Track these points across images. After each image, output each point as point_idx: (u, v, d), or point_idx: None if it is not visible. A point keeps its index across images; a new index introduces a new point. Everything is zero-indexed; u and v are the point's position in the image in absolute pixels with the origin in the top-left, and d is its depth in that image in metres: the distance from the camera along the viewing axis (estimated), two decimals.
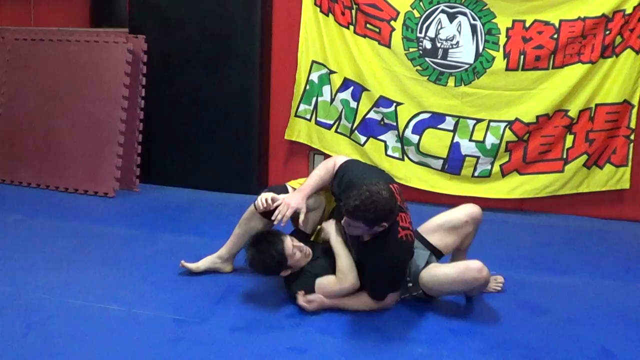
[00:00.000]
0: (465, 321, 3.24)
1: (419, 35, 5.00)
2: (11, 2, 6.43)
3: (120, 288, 3.50)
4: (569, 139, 4.98)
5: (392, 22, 5.01)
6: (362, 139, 5.30)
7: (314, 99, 5.37)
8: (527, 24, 4.82)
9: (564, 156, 5.00)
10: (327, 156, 5.44)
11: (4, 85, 5.64)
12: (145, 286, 3.55)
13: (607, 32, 4.74)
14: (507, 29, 4.86)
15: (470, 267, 3.13)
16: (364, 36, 5.11)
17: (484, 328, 3.17)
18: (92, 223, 4.66)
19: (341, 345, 2.98)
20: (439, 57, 5.01)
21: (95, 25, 6.05)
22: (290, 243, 3.26)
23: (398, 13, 5.00)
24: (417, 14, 4.98)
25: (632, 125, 4.92)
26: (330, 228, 3.33)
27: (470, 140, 5.06)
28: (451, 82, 5.01)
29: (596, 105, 4.90)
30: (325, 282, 3.26)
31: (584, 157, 4.96)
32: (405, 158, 5.25)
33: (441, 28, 4.97)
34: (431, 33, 4.99)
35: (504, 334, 3.12)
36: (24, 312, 3.19)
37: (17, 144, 5.60)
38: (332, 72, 5.27)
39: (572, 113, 4.91)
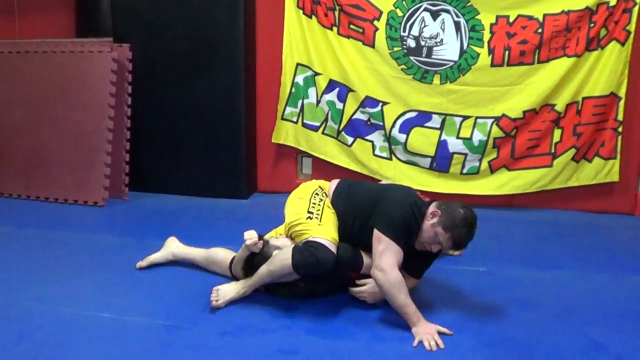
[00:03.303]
0: (456, 318, 3.23)
1: (402, 34, 5.00)
2: None
3: (110, 296, 3.49)
4: (557, 133, 4.99)
5: (376, 22, 5.01)
6: (350, 139, 5.29)
7: (300, 102, 5.36)
8: (511, 19, 4.83)
9: (553, 151, 5.01)
10: (315, 158, 5.46)
11: None
12: (135, 293, 3.54)
13: (592, 25, 4.74)
14: (491, 25, 4.86)
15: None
16: (348, 37, 5.10)
17: (475, 325, 3.17)
18: (81, 232, 4.63)
19: (332, 345, 2.96)
20: (423, 56, 5.00)
21: (81, 36, 6.04)
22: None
23: (381, 13, 5.00)
24: (400, 13, 4.97)
25: (620, 117, 4.93)
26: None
27: (458, 137, 5.06)
28: (436, 80, 5.01)
29: (583, 98, 4.90)
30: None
31: (573, 151, 4.97)
32: (393, 157, 5.24)
33: (425, 26, 4.96)
34: (415, 31, 4.98)
35: (495, 330, 3.11)
36: (15, 322, 3.18)
37: (6, 156, 5.57)
38: (317, 73, 5.26)
39: (559, 107, 4.92)
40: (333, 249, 3.19)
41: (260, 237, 3.39)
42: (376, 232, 3.16)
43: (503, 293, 3.56)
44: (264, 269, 3.31)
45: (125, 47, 5.35)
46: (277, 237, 3.50)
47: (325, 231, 3.24)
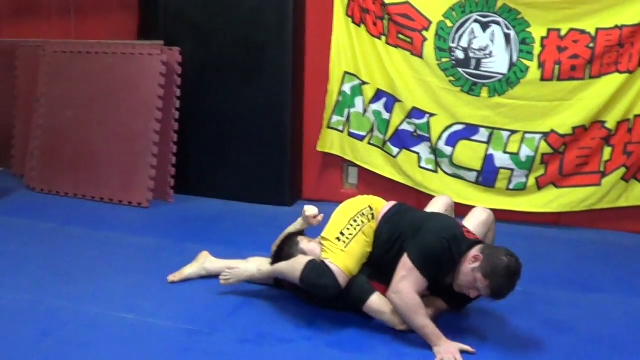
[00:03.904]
0: (482, 337, 3.16)
1: (451, 45, 4.91)
2: (53, 18, 6.59)
3: (138, 297, 3.54)
4: (607, 151, 4.81)
5: (424, 32, 4.93)
6: (395, 150, 5.23)
7: (346, 111, 5.32)
8: (563, 33, 4.68)
9: (602, 169, 4.83)
10: (361, 168, 5.41)
11: (43, 97, 5.77)
12: (164, 295, 3.58)
13: None
14: (542, 38, 4.72)
15: None
16: (396, 47, 5.04)
17: (500, 345, 3.09)
18: (122, 233, 4.71)
19: (350, 359, 2.93)
20: (472, 68, 4.91)
21: (143, 38, 6.11)
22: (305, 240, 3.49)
23: (430, 23, 4.92)
24: (449, 24, 4.89)
25: None
26: None
27: (505, 152, 4.94)
28: (484, 92, 4.90)
29: (635, 116, 4.71)
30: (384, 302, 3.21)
31: (622, 170, 4.78)
32: (439, 170, 5.15)
33: (474, 38, 4.87)
34: (464, 43, 4.89)
35: (520, 352, 3.04)
36: (40, 319, 3.26)
37: (56, 154, 5.71)
38: (364, 83, 5.21)
39: (610, 124, 4.74)
40: (341, 279, 3.16)
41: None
42: (405, 257, 3.09)
43: (536, 314, 3.45)
44: (280, 266, 3.36)
45: (175, 51, 5.41)
46: (309, 241, 3.48)
47: (343, 259, 3.21)
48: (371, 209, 3.41)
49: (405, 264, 3.07)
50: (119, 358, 2.89)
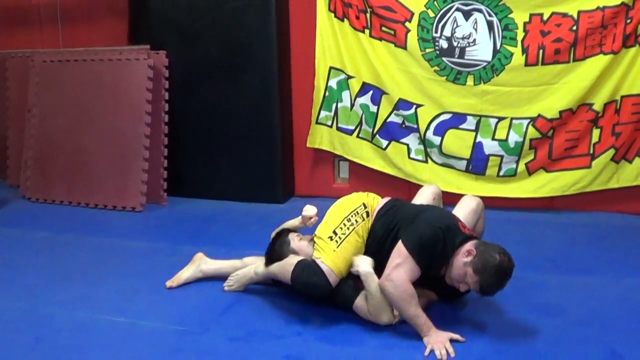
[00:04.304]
0: (471, 324, 3.17)
1: (434, 35, 4.92)
2: (43, 27, 6.62)
3: (130, 300, 3.57)
4: (595, 133, 4.81)
5: (407, 24, 4.94)
6: (384, 142, 5.24)
7: (334, 105, 5.34)
8: (545, 17, 4.69)
9: (591, 151, 4.84)
10: (351, 162, 5.43)
11: (34, 107, 5.80)
12: (155, 297, 3.60)
13: (628, 21, 4.55)
14: (525, 24, 4.73)
15: None
16: (380, 39, 5.05)
17: (491, 331, 3.10)
18: (116, 238, 4.74)
19: (339, 352, 2.95)
20: (456, 56, 4.91)
21: (134, 44, 6.13)
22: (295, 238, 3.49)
23: (412, 14, 4.93)
24: (431, 14, 4.90)
25: None
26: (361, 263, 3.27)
27: (493, 139, 4.95)
28: (470, 80, 4.91)
29: (622, 97, 4.72)
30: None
31: (612, 151, 4.79)
32: (429, 160, 5.17)
33: (457, 26, 4.87)
34: (447, 32, 4.90)
35: (511, 337, 3.03)
36: (34, 326, 3.29)
37: (49, 163, 5.74)
38: (350, 77, 5.23)
39: (597, 106, 4.75)
40: (332, 279, 3.18)
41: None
42: (400, 245, 3.10)
43: (526, 298, 3.45)
44: (273, 268, 3.40)
45: (162, 54, 5.44)
46: (300, 239, 3.50)
47: (334, 259, 3.22)
48: (365, 206, 3.41)
49: (400, 251, 3.08)
50: None
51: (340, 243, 3.26)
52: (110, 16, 6.38)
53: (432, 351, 2.90)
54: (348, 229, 3.30)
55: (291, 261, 3.29)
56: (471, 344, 2.97)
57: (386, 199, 3.52)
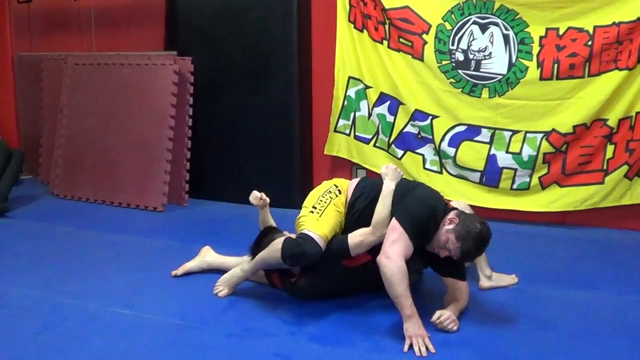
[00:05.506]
0: (463, 332, 3.19)
1: (451, 47, 4.98)
2: (82, 31, 6.84)
3: (137, 294, 3.69)
4: (609, 149, 4.81)
5: (424, 36, 5.02)
6: (400, 152, 5.31)
7: (352, 114, 5.44)
8: (561, 32, 4.72)
9: (604, 167, 4.84)
10: (368, 171, 5.50)
11: (66, 108, 6.02)
12: (161, 292, 3.73)
13: None
14: (541, 38, 4.76)
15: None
16: (398, 50, 5.14)
17: (479, 341, 3.11)
18: (134, 235, 4.90)
19: (329, 353, 3.00)
20: (472, 69, 4.97)
21: (170, 50, 6.29)
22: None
23: (430, 26, 5.00)
24: (448, 26, 4.97)
25: None
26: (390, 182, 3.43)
27: (507, 152, 4.98)
28: (485, 93, 4.96)
29: (637, 113, 4.70)
30: (359, 234, 3.35)
31: (625, 167, 4.78)
32: (444, 171, 5.22)
33: (473, 39, 4.93)
34: (463, 45, 4.96)
35: (499, 347, 3.04)
36: (44, 314, 3.44)
37: (77, 162, 5.96)
38: (368, 87, 5.33)
39: (612, 122, 4.75)
40: (321, 243, 3.31)
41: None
42: (394, 222, 3.22)
43: (524, 311, 3.47)
44: (260, 255, 3.51)
45: (188, 60, 5.60)
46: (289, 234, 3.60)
47: (319, 226, 3.37)
48: (336, 186, 3.62)
49: (395, 228, 3.19)
50: (108, 350, 3.03)
51: (322, 213, 3.45)
52: (148, 24, 6.53)
53: (410, 347, 2.98)
54: (326, 202, 3.51)
55: (277, 241, 3.41)
56: (458, 351, 3.00)
57: (357, 179, 3.73)
